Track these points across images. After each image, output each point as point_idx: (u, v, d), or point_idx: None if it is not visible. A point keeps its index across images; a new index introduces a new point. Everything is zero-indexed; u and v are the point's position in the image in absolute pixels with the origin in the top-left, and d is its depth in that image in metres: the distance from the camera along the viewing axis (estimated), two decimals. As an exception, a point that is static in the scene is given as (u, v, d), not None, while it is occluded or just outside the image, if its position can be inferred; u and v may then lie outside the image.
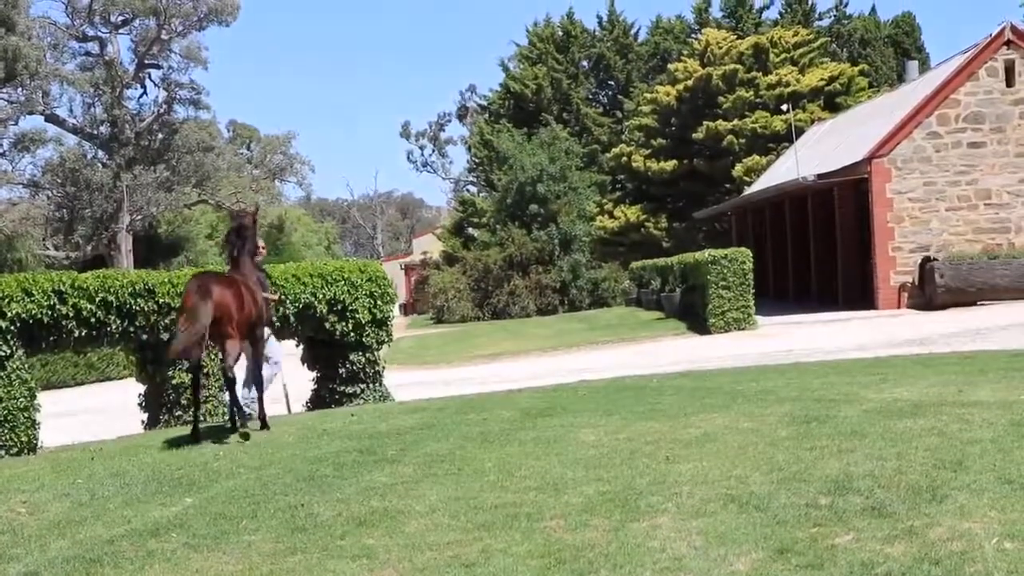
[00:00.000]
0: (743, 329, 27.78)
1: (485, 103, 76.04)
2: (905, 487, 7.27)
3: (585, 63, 71.51)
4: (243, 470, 9.78)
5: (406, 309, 71.17)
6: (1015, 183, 30.58)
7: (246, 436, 11.53)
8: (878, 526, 6.48)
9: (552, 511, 7.44)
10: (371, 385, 16.09)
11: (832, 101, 54.58)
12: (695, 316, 30.34)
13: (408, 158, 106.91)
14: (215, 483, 9.27)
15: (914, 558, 5.86)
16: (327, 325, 15.61)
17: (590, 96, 71.67)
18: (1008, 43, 30.59)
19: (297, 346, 16.50)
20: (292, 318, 15.25)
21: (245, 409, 12.48)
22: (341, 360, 15.86)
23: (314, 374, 16.23)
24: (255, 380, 12.92)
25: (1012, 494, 6.88)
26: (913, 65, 45.92)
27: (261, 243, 13.79)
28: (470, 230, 65.27)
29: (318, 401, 15.94)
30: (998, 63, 30.69)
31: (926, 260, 30.00)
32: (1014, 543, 5.92)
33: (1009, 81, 30.61)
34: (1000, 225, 30.60)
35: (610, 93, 72.90)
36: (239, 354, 11.91)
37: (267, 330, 13.60)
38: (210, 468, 10.00)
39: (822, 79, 55.21)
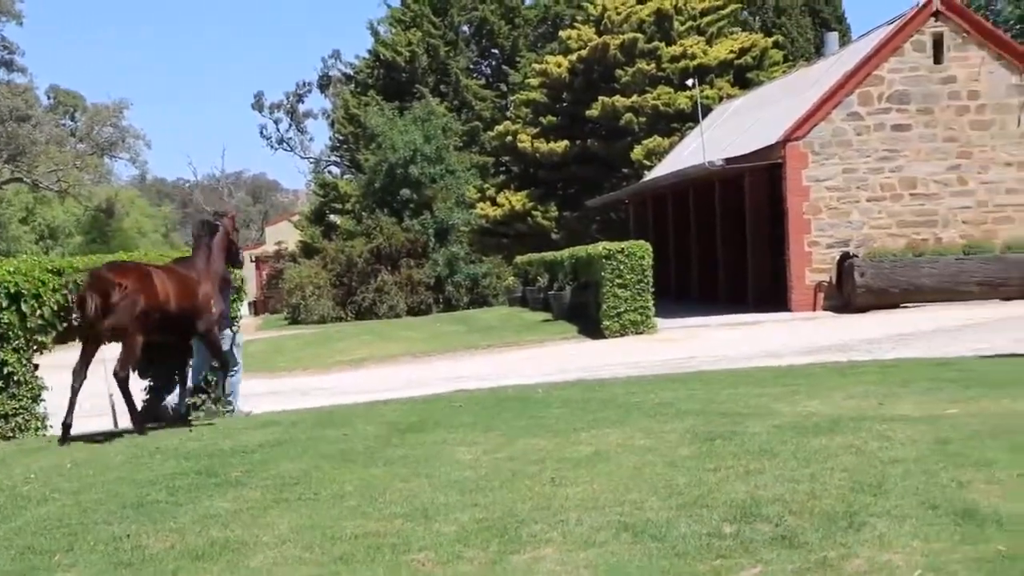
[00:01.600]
0: (641, 333, 27.99)
1: (351, 72, 75.67)
2: (819, 513, 7.36)
3: (466, 28, 71.53)
4: (58, 495, 9.56)
5: (257, 308, 70.52)
6: (943, 171, 31.25)
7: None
8: (788, 557, 6.54)
9: (421, 542, 7.38)
10: (213, 395, 15.86)
11: (743, 76, 55.34)
12: (587, 318, 30.49)
13: (261, 134, 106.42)
14: (24, 511, 9.05)
15: (828, 594, 5.93)
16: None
17: (471, 66, 71.71)
18: (936, 14, 31.26)
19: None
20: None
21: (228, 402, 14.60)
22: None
23: (146, 383, 15.95)
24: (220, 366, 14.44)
25: (936, 521, 7.01)
26: (833, 37, 46.71)
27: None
28: (332, 217, 64.91)
29: (149, 414, 15.67)
30: (925, 37, 31.35)
31: (845, 257, 30.56)
32: (938, 576, 6.03)
33: (937, 57, 31.26)
34: (926, 218, 31.26)
35: (494, 63, 73.03)
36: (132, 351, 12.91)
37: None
38: (18, 493, 9.75)
39: (732, 51, 55.94)
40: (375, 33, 71.92)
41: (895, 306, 29.44)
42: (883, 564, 6.30)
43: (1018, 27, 46.12)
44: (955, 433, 9.70)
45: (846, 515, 7.26)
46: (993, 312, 26.62)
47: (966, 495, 7.59)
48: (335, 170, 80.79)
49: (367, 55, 71.50)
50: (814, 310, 30.75)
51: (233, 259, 15.16)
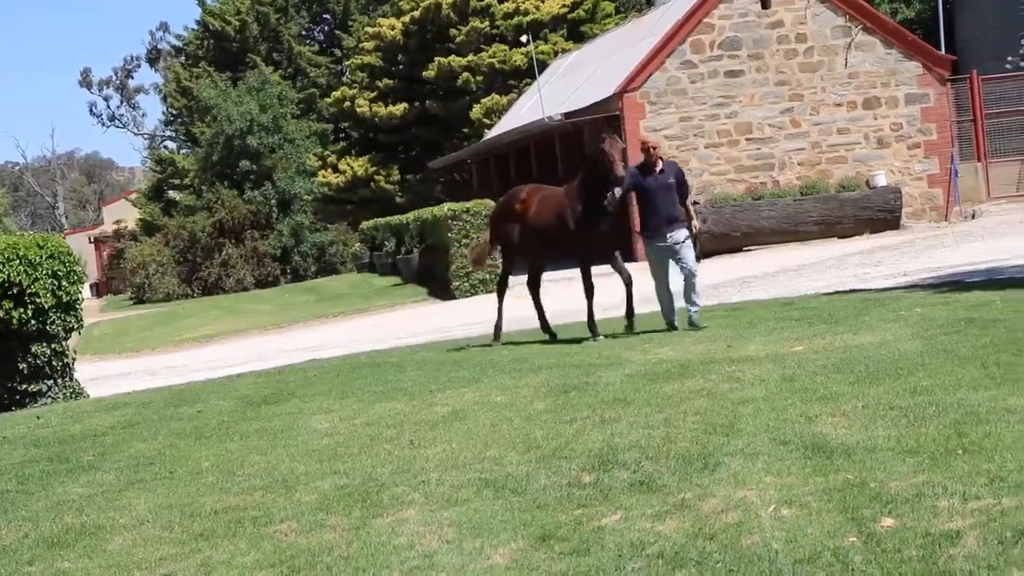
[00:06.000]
0: (491, 292, 27.98)
1: (180, 44, 74.40)
2: (675, 457, 7.52)
3: (295, -6, 70.76)
4: (-95, 493, 9.33)
5: (99, 289, 69.25)
6: (777, 115, 31.84)
7: None
8: (647, 502, 6.67)
9: (282, 512, 7.37)
10: (59, 381, 15.68)
11: (576, 30, 55.57)
12: (437, 280, 30.55)
13: (91, 111, 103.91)
14: None
15: (687, 534, 6.06)
16: (1, 314, 15.06)
17: (304, 33, 70.98)
18: (762, -40, 31.76)
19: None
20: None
21: None
22: (21, 354, 15.36)
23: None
24: None
25: (788, 456, 7.20)
26: (663, -13, 47.21)
27: None
28: (171, 193, 63.96)
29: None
30: (753, -18, 31.85)
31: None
32: (792, 509, 6.20)
33: (765, 3, 31.77)
34: (763, 162, 31.84)
35: (327, 28, 72.37)
36: None
37: None
38: None
39: (564, 6, 56.10)
40: (202, 3, 70.70)
41: (738, 250, 29.99)
42: (739, 501, 6.46)
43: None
44: (801, 370, 9.95)
45: (701, 456, 7.42)
46: (831, 250, 27.27)
47: (814, 429, 7.80)
48: (171, 145, 79.45)
49: (196, 26, 70.38)
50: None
51: None
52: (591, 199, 14.34)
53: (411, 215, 36.70)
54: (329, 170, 57.91)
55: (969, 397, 8.12)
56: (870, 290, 16.96)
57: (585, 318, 15.12)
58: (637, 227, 15.42)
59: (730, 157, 31.71)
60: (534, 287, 16.30)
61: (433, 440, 8.97)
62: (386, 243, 39.37)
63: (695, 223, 14.79)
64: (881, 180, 30.84)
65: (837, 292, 17.25)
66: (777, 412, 8.41)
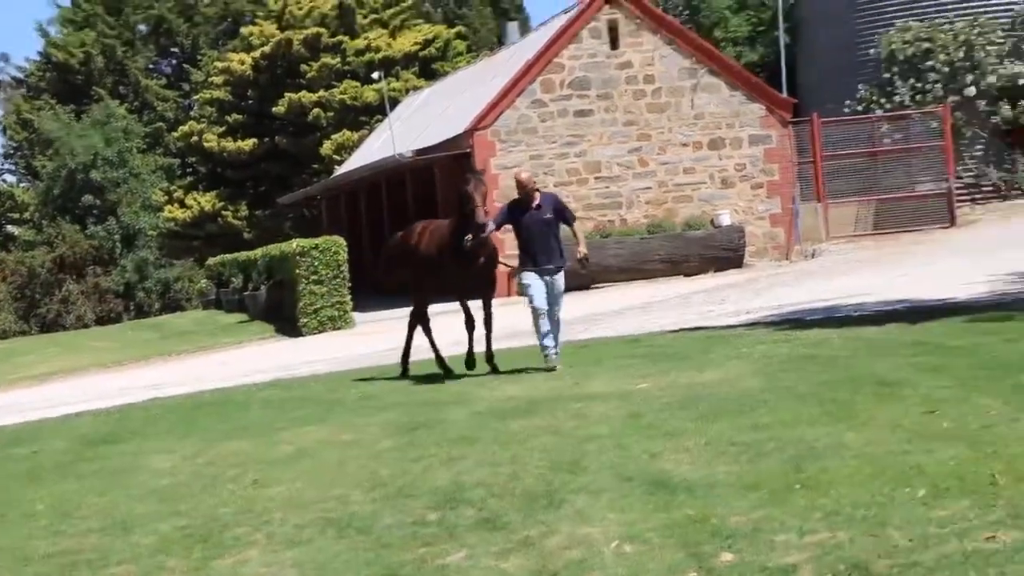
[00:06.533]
0: (339, 328, 27.94)
1: (22, 76, 72.74)
2: (520, 494, 7.54)
3: (143, 27, 69.79)
4: None
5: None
6: (625, 154, 32.20)
7: None
8: (492, 539, 6.69)
9: (120, 555, 7.23)
10: None
11: (428, 67, 55.77)
12: (284, 317, 30.26)
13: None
14: None
15: (531, 571, 6.09)
16: None
17: (151, 66, 70.03)
18: (610, 2, 32.13)
19: None
20: None
21: None
22: None
23: None
24: None
25: (631, 492, 7.27)
26: (513, 27, 47.55)
27: None
28: (9, 228, 62.52)
29: None
30: (601, 24, 32.21)
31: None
32: (634, 545, 6.26)
33: (613, 44, 32.15)
34: (612, 200, 32.16)
35: (175, 62, 71.49)
36: None
37: None
38: None
39: (416, 43, 56.29)
40: (45, 34, 69.38)
41: (586, 287, 30.18)
42: (582, 538, 6.50)
43: (686, 13, 47.97)
44: (646, 407, 10.07)
45: (546, 494, 7.46)
46: (677, 288, 27.63)
47: (658, 465, 7.90)
48: (10, 178, 77.60)
49: (38, 57, 68.94)
50: (509, 295, 31.20)
51: None
52: (461, 236, 14.11)
53: (259, 251, 36.33)
54: (176, 205, 57.13)
55: (807, 433, 8.29)
56: (714, 327, 17.23)
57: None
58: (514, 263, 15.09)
59: (579, 195, 31.93)
60: (418, 319, 15.88)
61: (277, 479, 8.88)
62: (233, 279, 38.90)
63: (581, 249, 14.51)
64: (725, 219, 31.38)
65: (683, 329, 17.49)
66: (621, 449, 8.50)
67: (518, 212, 14.26)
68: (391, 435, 10.23)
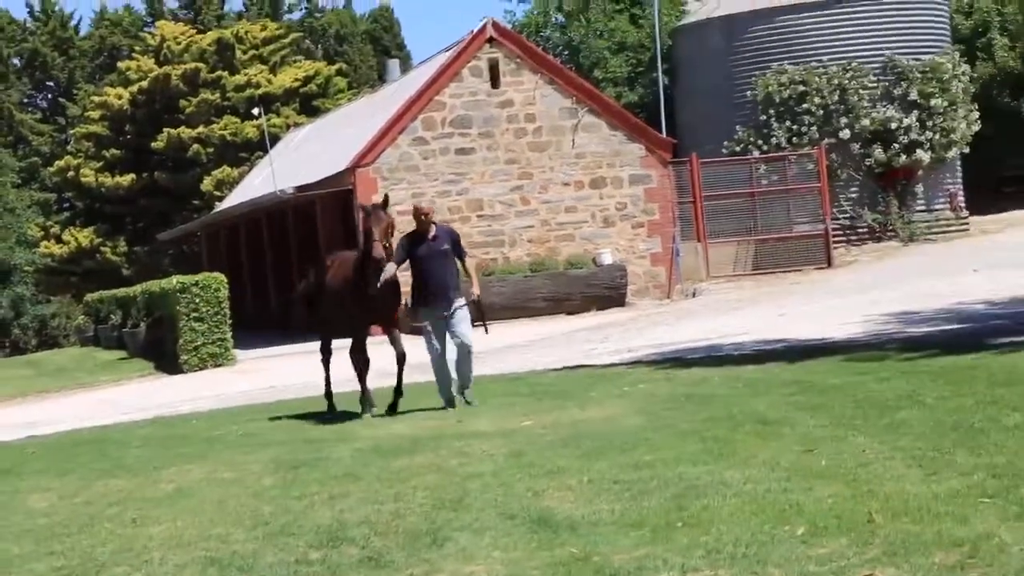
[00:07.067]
0: (220, 365, 27.65)
1: None
2: (404, 532, 7.54)
3: (17, 61, 68.84)
4: None
5: None
6: (507, 192, 32.32)
7: None
8: (376, 578, 6.67)
9: (-7, 599, 7.09)
10: None
11: (309, 104, 55.63)
12: (164, 353, 29.89)
13: None
14: None
15: (415, 610, 6.08)
16: None
17: (25, 100, 69.05)
18: (491, 40, 32.31)
19: None
20: None
21: None
22: None
23: None
24: None
25: (515, 530, 7.30)
26: (394, 64, 47.67)
27: None
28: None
29: None
30: (482, 62, 32.35)
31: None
32: (518, 583, 6.28)
33: (494, 82, 32.30)
34: (495, 238, 32.25)
35: (50, 96, 70.58)
36: None
37: None
38: None
39: (296, 79, 56.15)
40: (-87, 68, 68.17)
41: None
42: (466, 576, 6.51)
43: (566, 53, 48.43)
44: (529, 445, 10.12)
45: (429, 532, 7.46)
46: (560, 326, 27.78)
47: (541, 503, 7.94)
48: None
49: (-90, 90, 67.65)
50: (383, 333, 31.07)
51: None
52: (363, 271, 13.72)
53: (138, 287, 35.87)
54: (52, 240, 56.26)
55: (689, 471, 8.39)
56: (597, 366, 17.36)
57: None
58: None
59: (463, 233, 31.60)
60: (325, 353, 15.37)
61: (157, 518, 8.77)
62: (112, 316, 38.36)
63: (474, 290, 14.11)
64: (607, 258, 31.62)
65: (565, 368, 17.59)
66: (505, 487, 8.53)
67: (414, 244, 13.77)
68: (273, 473, 10.16)
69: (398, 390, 14.20)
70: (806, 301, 25.22)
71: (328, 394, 15.08)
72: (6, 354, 49.23)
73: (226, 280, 28.63)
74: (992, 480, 7.35)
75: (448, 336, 13.73)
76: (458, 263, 14.03)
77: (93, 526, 8.77)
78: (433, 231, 13.84)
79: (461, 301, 13.81)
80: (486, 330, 14.21)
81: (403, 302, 14.43)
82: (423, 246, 13.70)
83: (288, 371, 24.98)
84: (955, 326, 16.61)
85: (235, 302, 29.94)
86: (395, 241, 13.86)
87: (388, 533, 7.57)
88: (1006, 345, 13.32)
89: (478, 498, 8.29)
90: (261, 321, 40.86)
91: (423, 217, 13.83)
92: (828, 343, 16.20)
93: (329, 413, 14.59)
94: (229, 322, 28.23)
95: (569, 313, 30.45)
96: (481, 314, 14.17)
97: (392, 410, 13.98)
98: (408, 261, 13.82)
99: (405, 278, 14.18)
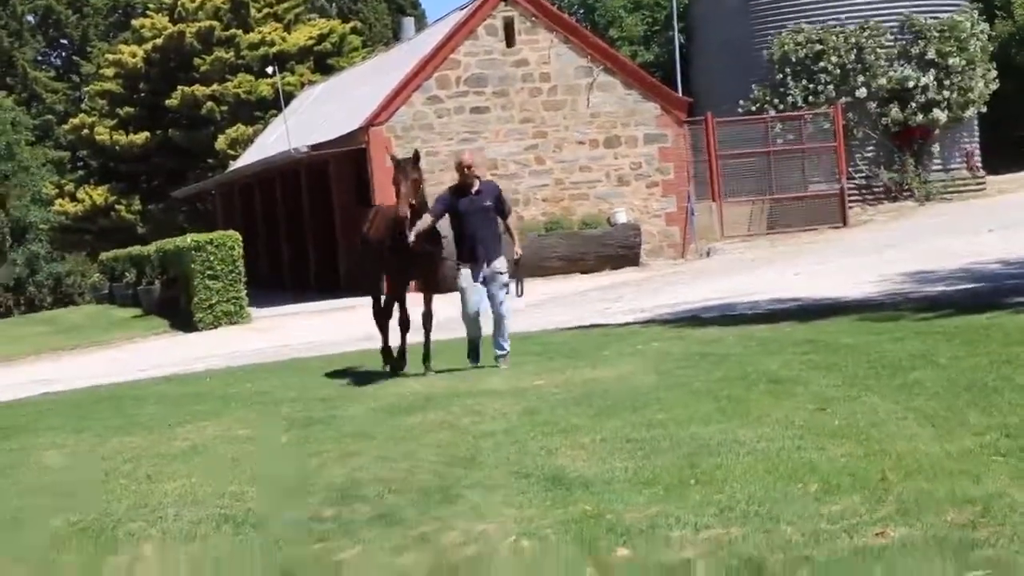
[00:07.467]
0: (235, 323, 27.68)
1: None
2: (416, 490, 7.55)
3: (31, 18, 68.75)
4: None
5: None
6: (521, 151, 32.26)
7: None
8: (388, 535, 6.68)
9: (8, 552, 7.11)
10: None
11: (323, 62, 55.48)
12: (179, 311, 29.95)
13: None
14: None
15: (427, 567, 6.09)
16: None
17: (39, 57, 69.01)
18: (506, -1, 32.24)
19: None
20: None
21: None
22: None
23: None
24: None
25: (528, 489, 7.31)
26: (409, 22, 47.48)
27: None
28: None
29: None
30: (497, 21, 32.22)
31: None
32: (530, 541, 6.29)
33: (509, 41, 32.19)
34: (509, 197, 32.14)
35: (64, 54, 70.55)
36: None
37: None
38: None
39: (311, 38, 55.98)
40: (-71, 25, 68.17)
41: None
42: (478, 534, 6.52)
43: (582, 11, 48.26)
44: (542, 403, 10.13)
45: (441, 489, 7.48)
46: (574, 285, 27.77)
47: (554, 461, 7.94)
48: None
49: (-78, 49, 67.69)
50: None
51: None
52: (394, 225, 13.18)
53: (153, 246, 35.91)
54: (67, 199, 56.33)
55: (702, 430, 8.39)
56: (610, 325, 17.35)
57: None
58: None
59: (478, 192, 31.90)
60: (377, 310, 14.52)
61: (172, 474, 8.80)
62: (127, 274, 38.45)
63: (517, 249, 13.60)
64: (621, 217, 31.57)
65: (579, 327, 17.58)
66: (518, 445, 8.53)
67: (456, 198, 13.30)
68: (287, 430, 10.19)
69: (427, 350, 13.62)
70: (821, 260, 25.16)
71: (386, 350, 14.24)
72: (22, 311, 49.39)
73: (240, 238, 28.61)
74: (1005, 439, 7.34)
75: (487, 298, 13.39)
76: (500, 221, 13.58)
77: (108, 482, 8.79)
78: (477, 185, 13.47)
79: (503, 264, 13.34)
80: (520, 291, 13.77)
81: (445, 259, 14.02)
82: (465, 200, 13.26)
83: (303, 329, 25.05)
84: (970, 285, 16.55)
85: (249, 261, 29.97)
86: (424, 199, 13.30)
87: (400, 490, 7.58)
88: (1021, 304, 13.26)
89: (491, 456, 8.30)
90: (274, 280, 40.95)
91: (466, 170, 13.40)
92: (842, 302, 16.16)
93: (393, 369, 13.95)
94: (244, 280, 28.25)
95: (583, 272, 30.43)
96: (518, 275, 13.75)
97: (427, 371, 13.39)
98: (449, 216, 13.37)
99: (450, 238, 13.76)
